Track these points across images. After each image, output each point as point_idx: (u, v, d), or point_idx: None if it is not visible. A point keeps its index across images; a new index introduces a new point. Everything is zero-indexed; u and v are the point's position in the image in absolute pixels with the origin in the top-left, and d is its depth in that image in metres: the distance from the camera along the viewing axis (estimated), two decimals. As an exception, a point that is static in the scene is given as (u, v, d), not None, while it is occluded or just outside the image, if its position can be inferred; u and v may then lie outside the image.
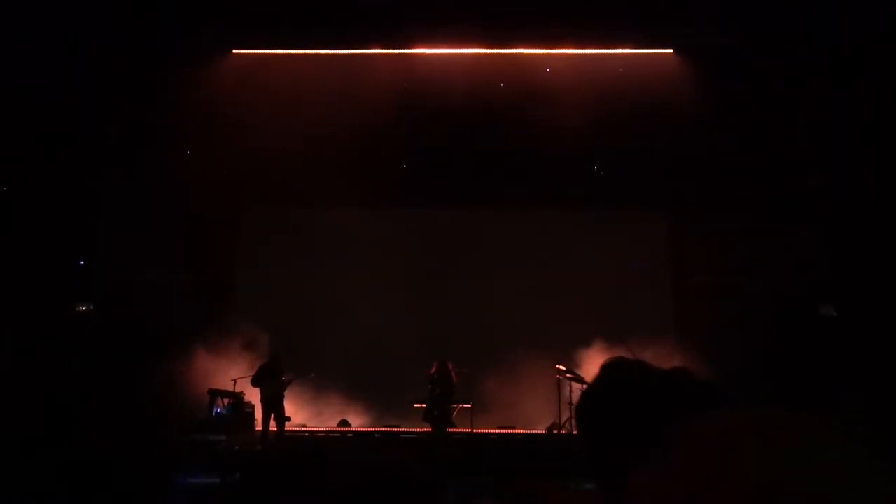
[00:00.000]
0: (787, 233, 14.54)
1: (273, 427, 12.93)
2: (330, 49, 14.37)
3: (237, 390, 13.52)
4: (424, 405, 13.58)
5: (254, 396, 13.40)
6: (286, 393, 13.18)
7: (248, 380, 13.23)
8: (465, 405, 13.78)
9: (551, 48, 14.40)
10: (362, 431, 14.33)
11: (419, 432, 13.71)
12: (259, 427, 13.20)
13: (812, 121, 14.48)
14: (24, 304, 13.44)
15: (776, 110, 14.52)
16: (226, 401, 13.52)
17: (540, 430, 14.25)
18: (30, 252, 13.49)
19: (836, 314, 14.32)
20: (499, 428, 14.47)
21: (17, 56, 12.89)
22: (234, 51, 14.48)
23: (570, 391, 13.68)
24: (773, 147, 14.48)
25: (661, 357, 14.30)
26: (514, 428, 14.51)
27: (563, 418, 13.72)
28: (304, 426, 14.18)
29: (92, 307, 14.55)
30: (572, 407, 13.29)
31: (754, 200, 14.45)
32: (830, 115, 14.19)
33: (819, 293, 14.35)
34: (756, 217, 14.50)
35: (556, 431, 13.77)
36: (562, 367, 13.81)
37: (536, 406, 14.74)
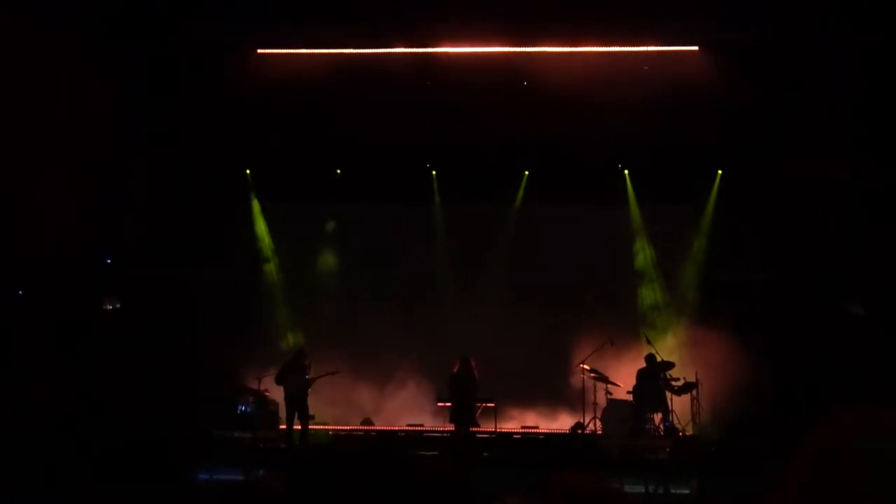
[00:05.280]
0: (814, 227, 14.35)
1: (297, 425, 12.95)
2: (353, 48, 14.26)
3: (261, 388, 13.57)
4: (449, 404, 13.50)
5: (278, 394, 13.43)
6: (310, 391, 13.17)
7: (272, 377, 13.26)
8: (488, 404, 13.71)
9: (575, 46, 14.13)
10: (385, 430, 14.30)
11: (442, 431, 13.67)
12: (283, 425, 13.24)
13: (840, 113, 14.17)
14: (52, 301, 13.53)
15: (803, 105, 14.17)
16: (250, 398, 13.60)
17: (564, 430, 14.17)
18: (57, 249, 13.57)
19: (863, 313, 14.04)
20: (523, 427, 14.41)
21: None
22: (259, 50, 14.45)
23: (595, 390, 13.65)
24: (799, 141, 14.15)
25: (685, 353, 14.23)
26: (538, 427, 14.43)
27: (588, 418, 13.62)
28: (326, 424, 14.17)
29: (118, 305, 14.61)
30: (597, 407, 13.47)
31: (781, 195, 14.25)
32: (859, 107, 13.92)
33: (847, 291, 14.12)
34: (782, 212, 14.33)
35: (580, 431, 13.65)
36: (586, 367, 13.72)
37: (561, 405, 14.71)
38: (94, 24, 13.23)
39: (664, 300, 15.60)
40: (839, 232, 14.15)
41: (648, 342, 13.80)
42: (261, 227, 16.10)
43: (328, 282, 15.51)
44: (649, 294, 15.68)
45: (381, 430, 14.29)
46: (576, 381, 14.12)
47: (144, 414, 11.46)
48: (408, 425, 14.46)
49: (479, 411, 13.71)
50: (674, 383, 13.40)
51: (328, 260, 15.65)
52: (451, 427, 13.42)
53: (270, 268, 16.01)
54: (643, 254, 15.82)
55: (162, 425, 10.63)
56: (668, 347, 14.43)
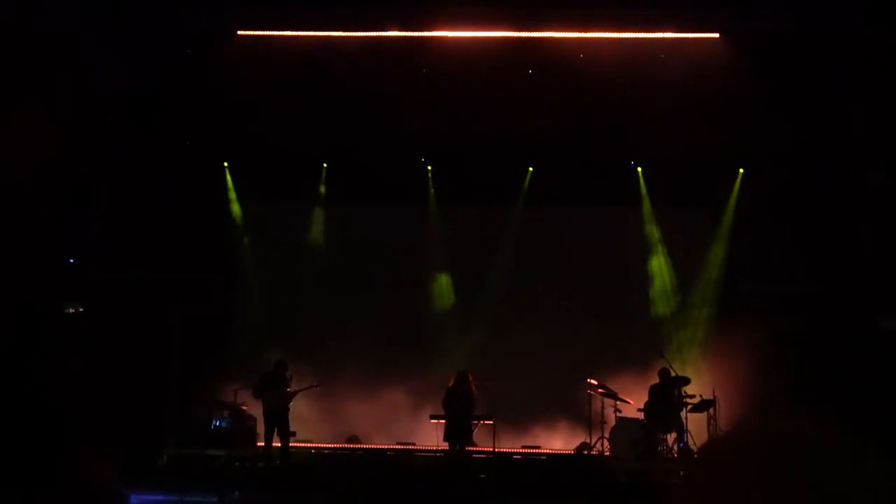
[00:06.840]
0: (844, 235, 13.78)
1: (276, 443, 12.50)
2: (342, 30, 13.64)
3: (238, 401, 13.09)
4: (443, 421, 12.95)
5: (255, 409, 12.92)
6: (290, 405, 12.62)
7: (250, 390, 12.74)
8: (486, 421, 13.17)
9: (585, 31, 13.67)
10: (373, 448, 13.71)
11: (435, 450, 13.09)
12: (261, 442, 12.74)
13: (873, 112, 13.71)
14: (10, 304, 12.81)
15: (833, 101, 13.73)
16: (225, 412, 13.10)
17: (569, 450, 13.67)
18: (17, 249, 12.87)
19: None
20: (523, 447, 13.89)
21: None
22: (239, 32, 13.75)
23: (602, 407, 13.26)
24: (829, 141, 13.67)
25: (702, 367, 13.86)
26: (539, 447, 13.93)
27: (594, 438, 13.18)
28: (308, 442, 13.62)
29: (81, 309, 13.94)
30: (604, 425, 12.70)
31: (808, 200, 13.72)
32: (893, 105, 13.39)
33: (883, 303, 13.53)
34: (810, 218, 13.78)
35: (586, 452, 13.21)
36: (594, 381, 13.26)
37: (565, 423, 14.19)
38: (66, 13, 12.65)
39: (680, 310, 15.01)
40: (874, 240, 13.67)
41: (662, 355, 13.16)
42: (239, 226, 15.48)
43: (312, 287, 14.81)
44: (663, 303, 15.08)
45: (368, 449, 13.67)
46: (582, 396, 13.53)
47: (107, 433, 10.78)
48: (397, 444, 13.87)
49: (476, 429, 13.13)
50: (689, 400, 12.82)
51: (313, 263, 14.98)
52: (444, 446, 12.84)
53: (249, 271, 15.39)
54: (657, 259, 15.20)
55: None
56: (683, 361, 13.87)
